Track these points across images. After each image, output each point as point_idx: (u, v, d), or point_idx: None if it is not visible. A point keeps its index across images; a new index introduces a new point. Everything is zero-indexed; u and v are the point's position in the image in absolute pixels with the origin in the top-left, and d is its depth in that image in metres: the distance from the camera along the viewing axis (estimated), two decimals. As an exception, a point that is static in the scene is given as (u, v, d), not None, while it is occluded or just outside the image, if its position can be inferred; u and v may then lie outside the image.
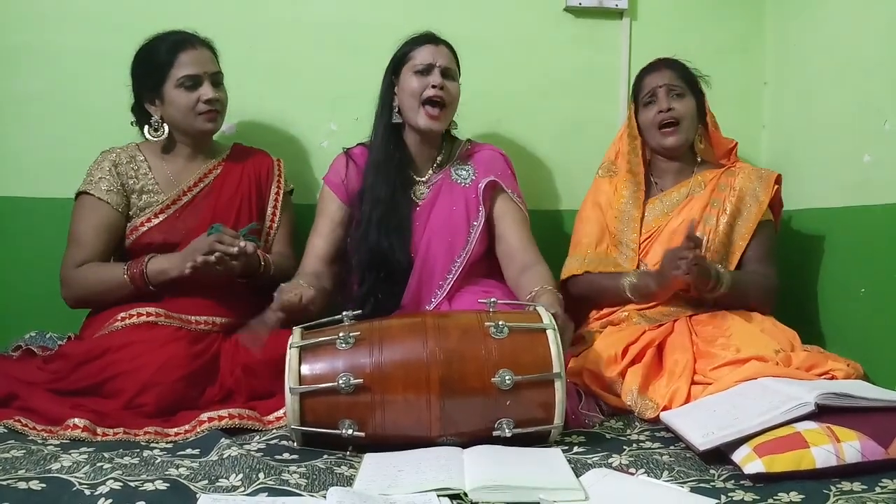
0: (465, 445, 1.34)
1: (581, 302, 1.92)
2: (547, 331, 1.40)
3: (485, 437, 1.35)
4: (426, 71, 1.81)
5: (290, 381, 1.35)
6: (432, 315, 1.52)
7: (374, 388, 1.35)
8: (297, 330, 1.44)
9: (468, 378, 1.36)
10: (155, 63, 1.79)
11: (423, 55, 1.82)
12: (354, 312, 1.45)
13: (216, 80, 1.83)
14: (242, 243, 1.64)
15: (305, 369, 1.37)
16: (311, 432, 1.36)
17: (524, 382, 1.35)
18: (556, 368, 1.36)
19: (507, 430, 1.35)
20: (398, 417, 1.36)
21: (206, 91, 1.79)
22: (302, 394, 1.35)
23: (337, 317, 1.45)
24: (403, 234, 1.80)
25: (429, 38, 1.85)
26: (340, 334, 1.39)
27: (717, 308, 1.80)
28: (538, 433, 1.38)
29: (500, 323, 1.39)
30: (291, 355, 1.37)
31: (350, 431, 1.34)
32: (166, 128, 1.82)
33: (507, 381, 1.34)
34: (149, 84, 1.81)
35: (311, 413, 1.36)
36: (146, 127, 1.82)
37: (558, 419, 1.37)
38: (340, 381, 1.34)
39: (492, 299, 1.47)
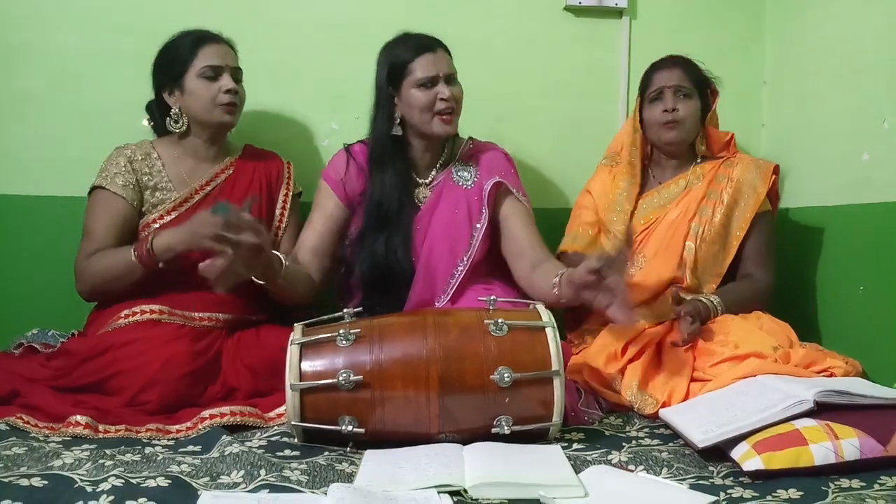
0: (464, 442, 1.35)
1: None
2: (546, 328, 1.41)
3: (484, 435, 1.36)
4: (431, 83, 1.75)
5: (290, 377, 1.36)
6: (432, 313, 1.52)
7: (374, 385, 1.36)
8: (297, 327, 1.44)
9: (467, 375, 1.36)
10: (178, 54, 1.81)
11: (423, 67, 1.75)
12: (355, 310, 1.45)
13: (236, 75, 1.85)
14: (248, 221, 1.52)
15: (306, 366, 1.38)
16: (312, 428, 1.37)
17: (523, 380, 1.36)
18: (555, 366, 1.37)
19: (505, 428, 1.35)
20: (398, 414, 1.36)
21: (227, 82, 1.80)
22: (302, 390, 1.36)
23: (338, 314, 1.46)
24: (407, 246, 1.78)
25: (425, 46, 1.77)
26: (341, 331, 1.40)
27: None
28: (537, 430, 1.39)
29: (500, 321, 1.40)
30: (292, 352, 1.38)
31: (350, 428, 1.34)
32: (186, 119, 1.83)
33: (506, 379, 1.35)
34: (170, 74, 1.82)
35: (311, 409, 1.36)
36: (167, 119, 1.83)
37: (557, 417, 1.38)
38: (341, 378, 1.34)
39: (491, 297, 1.47)
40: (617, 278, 1.42)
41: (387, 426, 1.37)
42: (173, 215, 1.81)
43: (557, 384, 1.37)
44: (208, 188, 1.86)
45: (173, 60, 1.82)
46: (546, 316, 1.44)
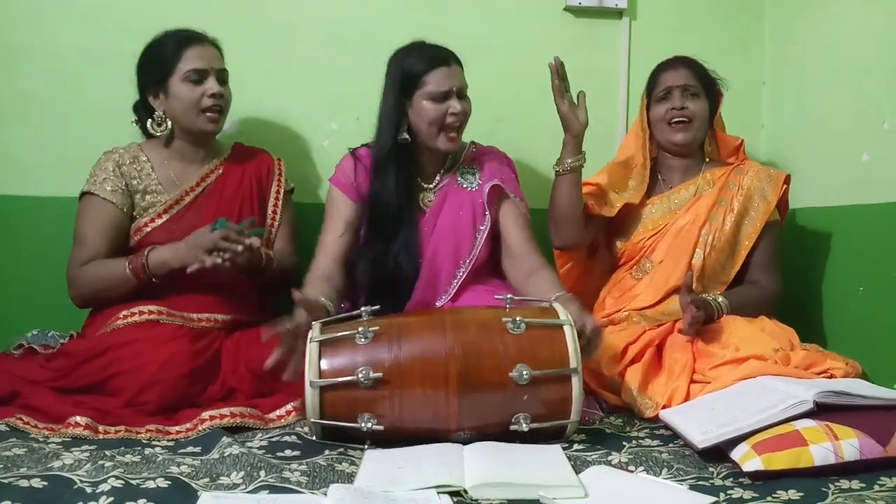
0: (480, 440, 1.36)
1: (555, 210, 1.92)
2: (563, 326, 1.41)
3: (502, 432, 1.36)
4: (443, 98, 1.74)
5: (310, 374, 1.36)
6: (450, 311, 1.53)
7: (393, 383, 1.36)
8: (316, 325, 1.44)
9: (486, 373, 1.37)
10: (162, 56, 1.80)
11: (437, 81, 1.74)
12: (372, 308, 1.45)
13: (222, 77, 1.84)
14: (248, 241, 1.64)
15: (325, 364, 1.38)
16: (331, 426, 1.37)
17: (541, 377, 1.37)
18: (573, 364, 1.38)
19: (524, 425, 1.36)
20: (417, 412, 1.37)
21: (212, 85, 1.79)
22: (322, 388, 1.36)
23: (355, 312, 1.46)
24: (411, 249, 1.79)
25: (440, 60, 1.77)
26: (360, 329, 1.40)
27: None
28: (554, 428, 1.40)
29: (518, 318, 1.41)
30: (311, 349, 1.38)
31: (369, 425, 1.35)
32: (169, 122, 1.82)
33: (525, 376, 1.35)
34: (154, 76, 1.81)
35: (330, 407, 1.36)
36: (149, 121, 1.82)
37: (575, 415, 1.39)
38: (360, 375, 1.35)
39: (508, 295, 1.48)
40: (596, 341, 1.50)
41: (405, 423, 1.37)
42: (164, 218, 1.81)
43: (576, 382, 1.38)
44: (198, 189, 1.86)
45: (157, 62, 1.80)
46: (563, 314, 1.44)
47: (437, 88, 1.74)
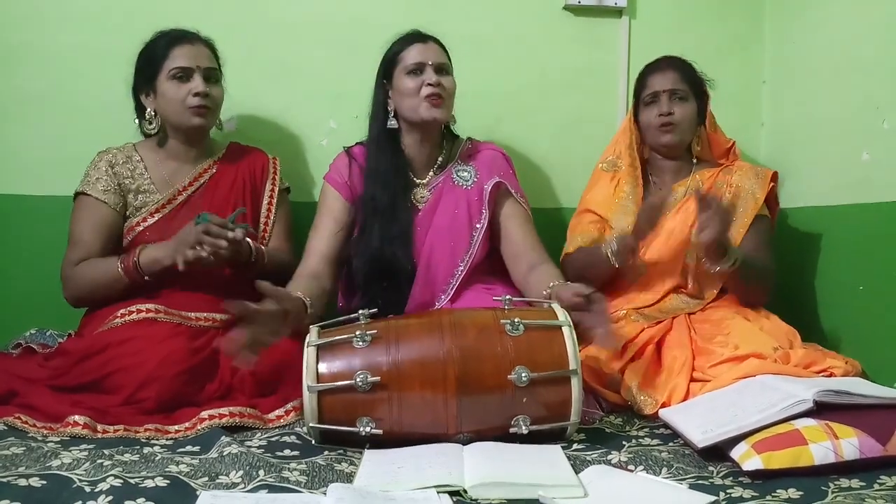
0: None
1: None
2: (562, 327, 1.40)
3: (501, 435, 1.36)
4: (419, 70, 1.78)
5: (307, 379, 1.35)
6: (448, 312, 1.52)
7: (392, 386, 1.35)
8: (313, 329, 1.44)
9: (485, 376, 1.36)
10: (152, 56, 1.81)
11: (412, 55, 1.79)
12: (370, 311, 1.45)
13: (210, 75, 1.83)
14: (231, 234, 1.62)
15: (323, 367, 1.37)
16: (329, 430, 1.37)
17: (540, 379, 1.36)
18: (573, 365, 1.37)
19: (523, 427, 1.36)
20: (416, 415, 1.36)
21: (197, 84, 1.79)
22: (320, 392, 1.35)
23: (353, 315, 1.46)
24: (406, 242, 1.78)
25: (416, 37, 1.82)
26: (357, 333, 1.39)
27: (718, 297, 1.83)
28: (554, 430, 1.39)
29: (516, 320, 1.40)
30: (309, 353, 1.38)
31: (368, 429, 1.34)
32: (159, 121, 1.83)
33: (524, 378, 1.35)
34: (144, 76, 1.82)
35: (329, 411, 1.36)
36: (142, 121, 1.83)
37: (574, 416, 1.38)
38: (358, 380, 1.34)
39: (506, 297, 1.48)
40: (601, 306, 1.47)
41: (404, 427, 1.36)
42: (157, 217, 1.81)
43: (575, 383, 1.37)
44: (191, 189, 1.86)
45: (147, 62, 1.82)
46: (562, 315, 1.43)
47: (412, 61, 1.78)
